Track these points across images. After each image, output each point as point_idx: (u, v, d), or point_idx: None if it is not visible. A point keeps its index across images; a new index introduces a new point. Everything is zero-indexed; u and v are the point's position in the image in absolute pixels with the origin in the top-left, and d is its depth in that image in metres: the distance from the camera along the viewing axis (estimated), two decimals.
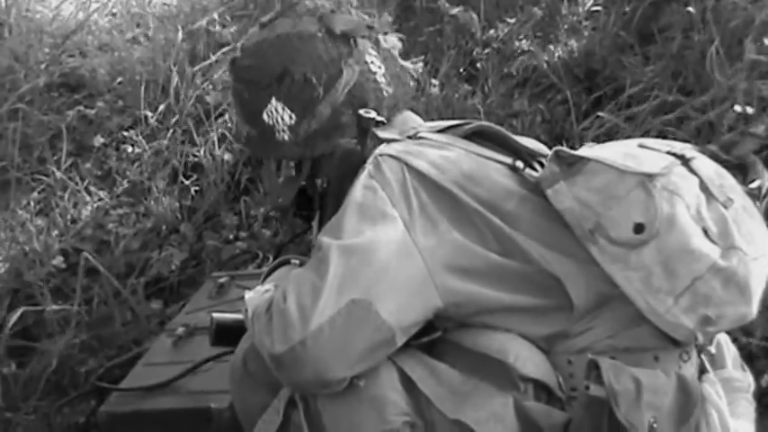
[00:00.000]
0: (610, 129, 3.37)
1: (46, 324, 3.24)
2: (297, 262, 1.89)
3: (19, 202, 3.76)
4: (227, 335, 1.97)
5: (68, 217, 3.68)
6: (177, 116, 4.01)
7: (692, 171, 1.65)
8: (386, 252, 1.58)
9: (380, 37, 1.92)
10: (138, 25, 4.70)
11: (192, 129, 3.94)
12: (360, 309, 1.55)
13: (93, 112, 4.20)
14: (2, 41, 4.57)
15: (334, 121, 1.84)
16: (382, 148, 1.74)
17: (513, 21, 4.08)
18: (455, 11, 3.95)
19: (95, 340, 3.17)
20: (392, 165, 1.68)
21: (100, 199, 3.78)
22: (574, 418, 1.58)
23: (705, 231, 1.58)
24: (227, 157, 3.83)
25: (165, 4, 4.82)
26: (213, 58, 4.16)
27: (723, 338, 1.77)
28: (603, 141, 3.12)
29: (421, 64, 2.01)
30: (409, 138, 1.78)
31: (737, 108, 2.91)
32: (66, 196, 3.76)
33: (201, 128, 3.95)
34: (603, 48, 3.75)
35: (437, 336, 1.65)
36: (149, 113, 4.02)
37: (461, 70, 3.94)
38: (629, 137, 3.12)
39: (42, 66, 4.42)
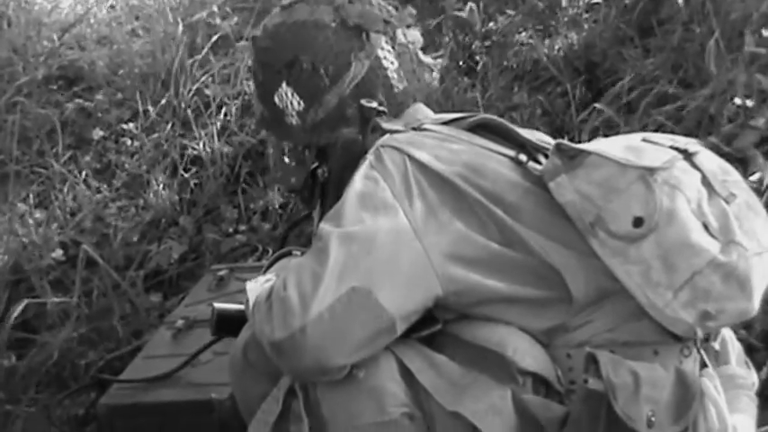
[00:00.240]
0: (609, 121, 3.37)
1: (46, 316, 3.24)
2: (298, 253, 1.89)
3: (18, 194, 3.76)
4: (229, 324, 1.97)
5: (68, 210, 3.68)
6: (176, 109, 4.00)
7: (694, 166, 1.64)
8: (386, 240, 1.59)
9: (399, 31, 1.92)
10: (137, 18, 4.69)
11: (191, 121, 3.93)
12: (360, 296, 1.55)
13: (92, 104, 4.20)
14: (0, 33, 4.57)
15: (339, 112, 1.84)
16: (384, 139, 1.74)
17: (513, 13, 4.08)
18: (458, 10, 3.94)
19: (95, 333, 3.18)
20: (394, 156, 1.68)
21: (99, 192, 3.77)
22: (572, 412, 1.58)
23: (705, 226, 1.58)
24: (226, 149, 3.83)
25: None
26: (208, 45, 4.16)
27: (728, 335, 1.77)
28: (603, 134, 3.16)
29: (441, 60, 2.01)
30: (413, 129, 1.78)
31: (737, 101, 2.91)
32: (66, 189, 3.76)
33: (201, 120, 3.95)
34: (603, 40, 3.74)
35: (437, 328, 1.65)
36: (149, 106, 4.02)
37: (461, 63, 3.94)
38: (629, 130, 3.14)
39: (41, 58, 4.42)
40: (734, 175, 1.68)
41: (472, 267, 1.61)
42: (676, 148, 1.66)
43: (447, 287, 1.61)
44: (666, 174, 1.60)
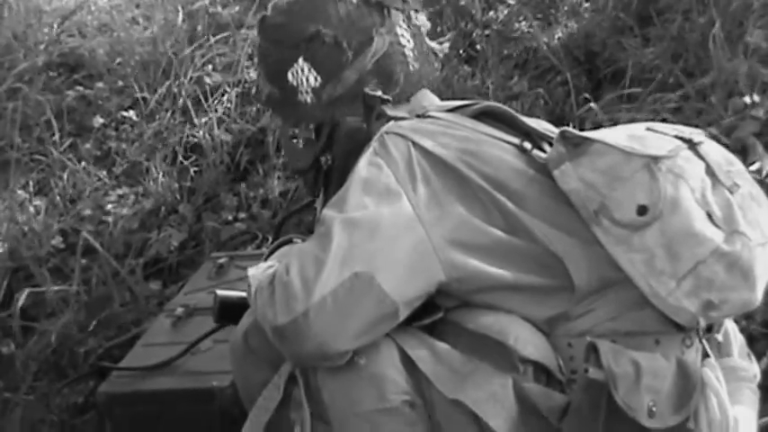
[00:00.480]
0: (610, 110, 3.37)
1: (45, 304, 3.24)
2: (299, 241, 1.88)
3: (18, 182, 3.75)
4: (231, 312, 1.97)
5: (67, 197, 3.68)
6: (176, 97, 4.00)
7: (698, 155, 1.64)
8: (389, 226, 1.59)
9: (412, 13, 1.91)
10: (137, 6, 4.68)
11: (191, 109, 3.93)
12: (362, 281, 1.55)
13: (92, 92, 4.20)
14: (1, 21, 4.56)
15: (358, 89, 1.82)
16: (389, 126, 1.74)
17: (512, 2, 4.07)
18: None
19: (94, 320, 3.17)
20: (398, 142, 1.68)
21: (99, 179, 3.77)
22: (573, 401, 1.58)
23: (709, 215, 1.58)
24: (226, 137, 3.83)
25: None
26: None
27: (731, 327, 1.77)
28: (604, 123, 3.16)
29: (447, 44, 2.00)
30: (418, 116, 1.78)
31: (747, 99, 2.91)
32: (66, 176, 3.75)
33: (201, 108, 3.94)
34: (603, 29, 3.74)
35: (439, 316, 1.65)
36: (149, 94, 4.01)
37: (461, 51, 3.93)
38: (630, 119, 3.13)
39: (41, 46, 4.42)
40: (738, 165, 1.68)
41: (475, 254, 1.61)
42: (681, 138, 1.66)
43: (450, 273, 1.61)
44: (671, 162, 1.60)
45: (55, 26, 4.56)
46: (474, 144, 1.70)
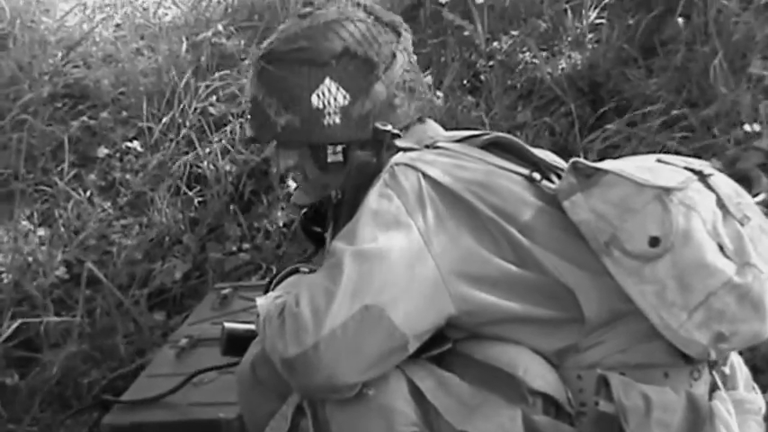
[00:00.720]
0: (614, 141, 3.37)
1: (49, 335, 3.23)
2: (306, 270, 1.88)
3: (22, 212, 3.75)
4: (239, 344, 1.96)
5: (71, 228, 3.67)
6: (181, 127, 4.01)
7: (709, 187, 1.65)
8: (400, 258, 1.58)
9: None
10: (142, 37, 4.70)
11: (195, 140, 3.94)
12: (373, 314, 1.55)
13: (96, 122, 4.21)
14: (6, 52, 4.58)
15: (388, 102, 1.82)
16: (398, 157, 1.73)
17: (516, 33, 4.09)
18: (459, 22, 3.96)
19: (98, 351, 3.16)
20: (408, 173, 1.68)
21: (103, 210, 3.77)
22: None
23: (721, 247, 1.59)
24: (230, 168, 3.83)
25: (166, 13, 4.83)
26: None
27: (736, 359, 1.77)
28: (608, 154, 3.17)
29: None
30: (426, 147, 1.78)
31: (747, 128, 2.92)
32: (70, 207, 3.75)
33: (205, 139, 3.95)
34: (607, 60, 3.76)
35: (447, 347, 1.65)
36: (153, 125, 4.02)
37: (465, 82, 3.95)
38: (634, 150, 3.14)
39: (46, 76, 4.43)
40: (746, 197, 1.69)
41: (485, 287, 1.61)
42: (691, 170, 1.67)
43: (460, 306, 1.60)
44: (682, 194, 1.61)
45: (60, 56, 4.58)
46: (483, 175, 1.70)
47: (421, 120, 1.88)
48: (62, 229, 3.66)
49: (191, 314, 2.97)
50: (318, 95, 1.81)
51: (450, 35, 4.08)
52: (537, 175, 1.73)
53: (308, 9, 1.91)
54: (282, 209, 3.64)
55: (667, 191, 1.60)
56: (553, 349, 1.63)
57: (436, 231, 1.62)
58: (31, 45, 4.58)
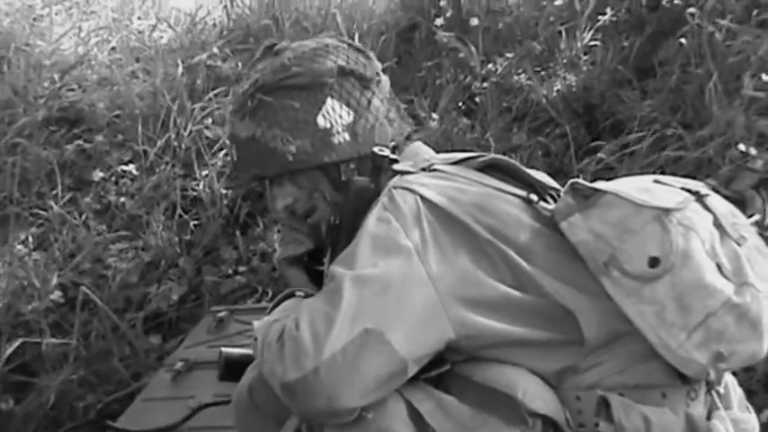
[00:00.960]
0: (609, 162, 3.38)
1: (44, 359, 3.22)
2: (302, 294, 1.88)
3: (17, 236, 3.74)
4: (236, 369, 1.96)
5: (67, 251, 3.66)
6: (176, 150, 4.01)
7: (706, 208, 1.66)
8: (399, 283, 1.58)
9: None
10: (137, 60, 4.72)
11: (191, 163, 3.94)
12: (372, 339, 1.54)
13: (91, 146, 4.21)
14: (1, 76, 4.59)
15: (386, 116, 1.87)
16: (396, 181, 1.74)
17: (511, 55, 4.11)
18: (455, 44, 3.97)
19: (94, 375, 3.15)
20: (406, 196, 1.68)
21: (98, 233, 3.76)
22: None
23: (719, 267, 1.59)
24: (225, 190, 3.83)
25: (162, 36, 4.85)
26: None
27: (730, 380, 1.77)
28: (603, 175, 3.17)
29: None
30: (423, 170, 1.78)
31: (741, 147, 2.93)
32: (65, 231, 3.74)
33: (200, 162, 3.95)
34: (602, 82, 3.78)
35: (446, 369, 1.64)
36: (148, 148, 4.02)
37: (460, 104, 3.96)
38: (629, 171, 3.15)
39: (41, 100, 4.43)
40: (742, 218, 1.70)
41: (484, 311, 1.61)
42: (688, 190, 1.67)
43: (459, 331, 1.60)
44: (680, 215, 1.61)
45: (55, 80, 4.58)
46: (480, 197, 1.70)
47: (408, 137, 1.91)
48: (57, 252, 3.64)
49: (186, 337, 2.96)
50: (324, 116, 1.83)
51: (446, 57, 4.10)
52: (534, 197, 1.74)
53: (281, 45, 1.92)
54: (278, 231, 3.64)
55: (666, 211, 1.61)
56: (552, 370, 1.62)
57: (434, 254, 1.62)
58: (26, 69, 4.59)
